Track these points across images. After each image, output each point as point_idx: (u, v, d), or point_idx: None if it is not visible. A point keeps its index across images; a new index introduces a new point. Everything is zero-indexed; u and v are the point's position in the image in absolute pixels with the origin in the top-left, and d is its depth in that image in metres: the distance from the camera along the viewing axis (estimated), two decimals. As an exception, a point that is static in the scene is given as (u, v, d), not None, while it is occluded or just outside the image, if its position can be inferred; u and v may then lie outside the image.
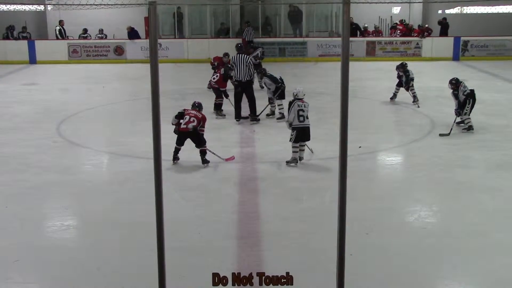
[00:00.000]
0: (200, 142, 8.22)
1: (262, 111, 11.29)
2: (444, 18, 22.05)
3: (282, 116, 11.03)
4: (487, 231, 5.98)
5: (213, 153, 8.31)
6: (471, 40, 21.24)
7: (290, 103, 8.36)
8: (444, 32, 21.73)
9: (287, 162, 8.23)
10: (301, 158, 8.30)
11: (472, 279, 5.07)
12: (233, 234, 5.95)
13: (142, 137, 9.41)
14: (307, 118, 8.23)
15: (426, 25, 22.27)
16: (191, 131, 8.12)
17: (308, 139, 8.31)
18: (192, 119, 8.17)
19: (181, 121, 8.18)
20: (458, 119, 10.07)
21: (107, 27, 22.90)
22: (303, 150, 8.33)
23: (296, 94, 8.34)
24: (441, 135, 9.74)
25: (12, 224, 6.23)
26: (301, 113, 8.16)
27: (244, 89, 11.09)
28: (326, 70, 18.58)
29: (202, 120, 8.27)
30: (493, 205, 6.73)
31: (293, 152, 8.22)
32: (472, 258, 5.38)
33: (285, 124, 8.62)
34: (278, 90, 11.13)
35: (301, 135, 8.16)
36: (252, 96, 11.14)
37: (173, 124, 8.21)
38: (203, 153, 8.20)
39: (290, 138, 8.20)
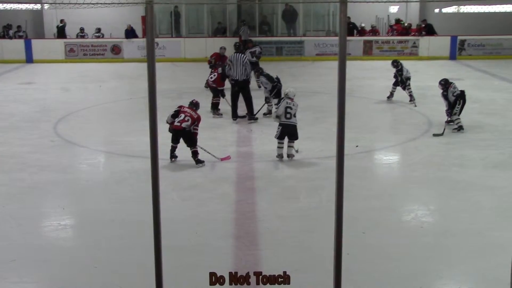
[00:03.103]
0: (191, 142, 8.18)
1: (258, 110, 11.29)
2: (424, 20, 22.06)
3: (269, 112, 11.09)
4: (483, 230, 5.99)
5: (208, 152, 8.31)
6: (468, 39, 21.30)
7: (279, 100, 8.77)
8: (432, 33, 21.68)
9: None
10: (290, 156, 8.42)
11: (468, 278, 5.08)
12: (230, 233, 5.95)
13: (139, 136, 9.39)
14: (295, 116, 8.39)
15: (424, 25, 22.28)
16: (183, 130, 8.11)
17: (296, 137, 8.43)
18: (186, 118, 8.15)
19: (176, 119, 8.17)
20: (448, 119, 10.12)
21: (104, 26, 22.86)
22: (292, 147, 8.45)
23: (287, 93, 8.60)
24: (434, 135, 9.76)
25: (9, 224, 6.22)
26: (288, 110, 8.35)
27: (240, 88, 11.09)
28: (323, 69, 18.60)
29: (197, 120, 8.25)
30: (490, 204, 6.74)
31: (277, 148, 8.44)
32: (468, 257, 5.40)
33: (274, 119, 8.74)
34: (274, 89, 11.18)
35: (286, 132, 8.33)
36: (248, 96, 11.13)
37: (167, 123, 8.19)
38: (194, 153, 8.17)
39: (276, 134, 8.41)
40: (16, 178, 7.78)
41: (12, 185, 7.51)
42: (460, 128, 9.91)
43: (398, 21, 22.63)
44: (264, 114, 11.43)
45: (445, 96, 10.09)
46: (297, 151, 8.57)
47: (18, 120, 11.41)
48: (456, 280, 5.04)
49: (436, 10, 24.15)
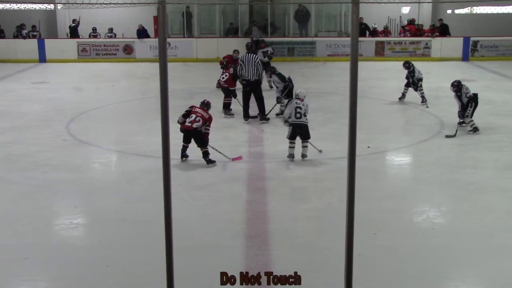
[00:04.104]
0: (202, 142, 8.19)
1: (270, 110, 11.30)
2: (440, 20, 21.92)
3: (281, 112, 11.09)
4: (495, 232, 5.95)
5: (219, 152, 8.33)
6: (481, 41, 21.12)
7: (289, 101, 8.90)
8: (446, 33, 21.55)
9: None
10: (304, 156, 8.44)
11: (480, 280, 5.05)
12: (241, 233, 5.95)
13: (150, 136, 9.44)
14: (305, 116, 8.43)
15: (439, 25, 22.13)
16: (194, 130, 8.12)
17: (308, 137, 8.45)
18: (198, 118, 8.16)
19: (187, 119, 8.19)
20: (460, 120, 10.07)
21: (117, 26, 22.99)
22: (306, 147, 8.46)
23: (297, 94, 8.74)
24: (447, 136, 9.71)
25: (22, 222, 6.27)
26: (298, 110, 8.41)
27: (252, 88, 11.10)
28: (334, 70, 18.57)
29: (208, 120, 8.26)
30: (502, 206, 6.69)
31: (289, 147, 8.47)
32: (480, 259, 5.37)
33: (284, 124, 8.81)
34: (285, 89, 11.20)
35: (297, 132, 8.39)
36: (260, 96, 11.15)
37: (178, 122, 8.21)
38: (205, 154, 8.17)
39: (287, 134, 8.48)
40: (28, 176, 7.84)
41: (24, 184, 7.56)
42: (475, 130, 9.85)
43: (411, 22, 22.53)
44: (276, 114, 11.43)
45: (459, 96, 10.01)
46: (320, 151, 8.61)
47: (31, 119, 11.48)
48: (467, 282, 5.02)
49: (449, 11, 24.01)
